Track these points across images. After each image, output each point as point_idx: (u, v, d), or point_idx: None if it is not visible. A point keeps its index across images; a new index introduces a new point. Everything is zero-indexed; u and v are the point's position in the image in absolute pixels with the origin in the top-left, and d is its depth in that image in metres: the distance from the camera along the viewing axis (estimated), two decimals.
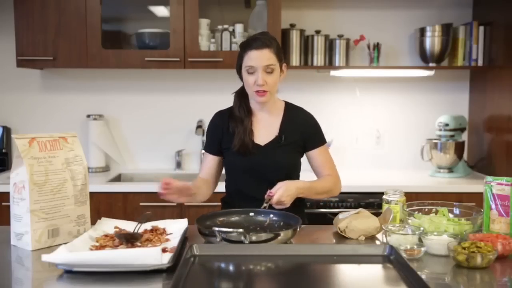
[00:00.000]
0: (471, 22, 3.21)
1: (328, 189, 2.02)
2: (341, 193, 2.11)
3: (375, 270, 1.46)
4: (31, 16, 3.00)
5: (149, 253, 1.39)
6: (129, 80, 3.40)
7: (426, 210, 1.81)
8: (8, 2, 3.09)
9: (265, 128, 2.04)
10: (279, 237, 1.58)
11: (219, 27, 3.15)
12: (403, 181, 3.05)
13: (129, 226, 1.73)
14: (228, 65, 3.03)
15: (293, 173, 2.06)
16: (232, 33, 3.13)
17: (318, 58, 3.21)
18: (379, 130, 3.46)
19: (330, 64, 3.26)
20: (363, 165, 3.44)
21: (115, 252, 1.43)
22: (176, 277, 1.29)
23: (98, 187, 2.83)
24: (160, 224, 1.78)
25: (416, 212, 1.75)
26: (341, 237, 1.74)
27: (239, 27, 3.15)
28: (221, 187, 2.17)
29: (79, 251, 1.46)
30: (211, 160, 2.09)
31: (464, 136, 3.36)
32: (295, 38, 3.20)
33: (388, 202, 1.84)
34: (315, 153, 2.06)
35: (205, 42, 3.11)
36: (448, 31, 3.19)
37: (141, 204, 2.82)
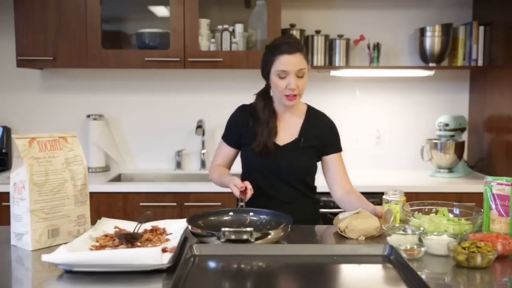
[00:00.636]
0: (471, 22, 3.21)
1: None
2: None
3: (375, 270, 1.46)
4: (31, 16, 3.00)
5: (149, 253, 1.39)
6: (129, 80, 3.40)
7: (426, 210, 1.81)
8: (8, 2, 3.09)
9: (286, 129, 2.05)
10: (269, 236, 1.58)
11: (219, 27, 3.15)
12: (403, 181, 3.05)
13: (129, 226, 1.73)
14: (228, 65, 3.03)
15: (308, 176, 2.07)
16: (232, 33, 3.13)
17: (318, 58, 3.21)
18: (379, 130, 3.46)
19: (330, 64, 3.26)
20: (363, 165, 3.44)
21: (115, 252, 1.43)
22: (176, 277, 1.29)
23: (98, 187, 2.83)
24: (160, 224, 1.78)
25: (416, 212, 1.75)
26: (341, 237, 1.74)
27: (239, 27, 3.15)
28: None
29: (79, 251, 1.46)
30: (229, 152, 2.13)
31: (464, 136, 3.36)
32: None
33: (388, 202, 1.84)
34: (331, 159, 2.07)
35: (205, 42, 3.11)
36: (448, 31, 3.19)
37: (141, 204, 2.82)
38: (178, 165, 3.38)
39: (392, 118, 3.46)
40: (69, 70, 3.36)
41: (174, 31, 3.01)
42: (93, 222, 1.78)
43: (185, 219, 1.78)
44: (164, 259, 1.40)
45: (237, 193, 1.87)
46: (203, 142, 3.38)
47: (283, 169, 2.01)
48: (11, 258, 1.56)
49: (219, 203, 2.79)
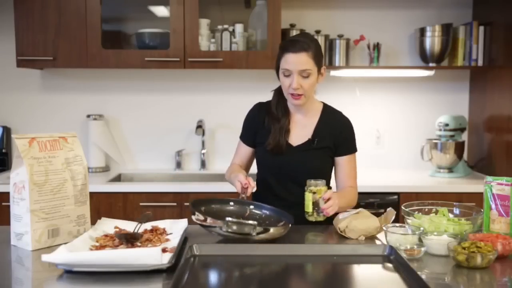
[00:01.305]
0: (471, 22, 3.21)
1: (351, 205, 1.99)
2: None
3: (375, 270, 1.47)
4: (31, 16, 3.00)
5: (149, 253, 1.39)
6: (129, 80, 3.40)
7: (426, 210, 1.81)
8: (8, 2, 3.09)
9: (299, 129, 2.03)
10: (270, 231, 1.59)
11: (219, 27, 3.15)
12: (403, 181, 3.05)
13: (129, 226, 1.73)
14: (228, 65, 3.03)
15: (321, 177, 2.02)
16: (232, 33, 3.13)
17: None
18: (379, 130, 3.46)
19: (330, 64, 3.26)
20: (363, 165, 3.41)
21: (115, 252, 1.43)
22: (176, 277, 1.29)
23: (98, 187, 2.83)
24: (160, 224, 1.78)
25: (416, 212, 1.75)
26: (341, 237, 1.74)
27: (239, 27, 3.15)
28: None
29: (79, 251, 1.46)
30: (246, 151, 2.11)
31: (464, 136, 3.36)
32: None
33: (309, 187, 1.82)
34: (343, 160, 2.04)
35: (205, 42, 3.11)
36: (448, 31, 3.19)
37: (141, 204, 2.82)
38: (178, 165, 3.38)
39: (392, 118, 3.46)
40: (69, 70, 3.36)
41: (174, 31, 3.01)
42: (93, 222, 1.78)
43: (185, 219, 1.79)
44: (164, 259, 1.40)
45: (239, 188, 1.86)
46: (203, 142, 3.38)
47: (295, 170, 1.98)
48: (11, 258, 1.56)
49: None
